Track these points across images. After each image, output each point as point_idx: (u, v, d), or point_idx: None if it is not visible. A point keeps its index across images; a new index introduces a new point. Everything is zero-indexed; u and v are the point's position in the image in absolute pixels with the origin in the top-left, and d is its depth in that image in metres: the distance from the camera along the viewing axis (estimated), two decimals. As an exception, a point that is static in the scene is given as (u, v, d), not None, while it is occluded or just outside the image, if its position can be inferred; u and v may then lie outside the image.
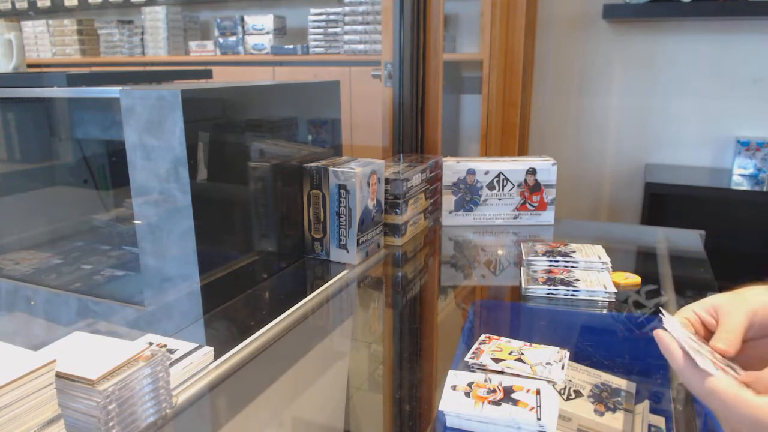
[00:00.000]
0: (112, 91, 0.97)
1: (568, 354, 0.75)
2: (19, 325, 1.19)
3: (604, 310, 0.96)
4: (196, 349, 0.75)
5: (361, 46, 2.78)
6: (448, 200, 1.40)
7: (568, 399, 0.68)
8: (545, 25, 2.55)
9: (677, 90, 2.42)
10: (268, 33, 3.04)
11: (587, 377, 0.72)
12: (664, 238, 1.34)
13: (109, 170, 1.46)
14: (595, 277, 1.04)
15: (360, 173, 1.11)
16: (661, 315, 0.55)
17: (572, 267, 1.08)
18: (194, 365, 0.73)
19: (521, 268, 1.10)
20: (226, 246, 1.00)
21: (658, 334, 0.52)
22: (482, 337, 0.80)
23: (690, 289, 1.05)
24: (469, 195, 1.39)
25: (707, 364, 0.48)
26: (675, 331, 0.52)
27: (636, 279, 1.04)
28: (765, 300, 0.56)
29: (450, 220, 1.41)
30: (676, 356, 0.51)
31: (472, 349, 0.76)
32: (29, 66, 1.72)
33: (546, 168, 1.38)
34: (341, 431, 0.75)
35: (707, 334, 0.57)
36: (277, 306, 0.98)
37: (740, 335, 0.54)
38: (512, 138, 2.32)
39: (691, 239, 1.32)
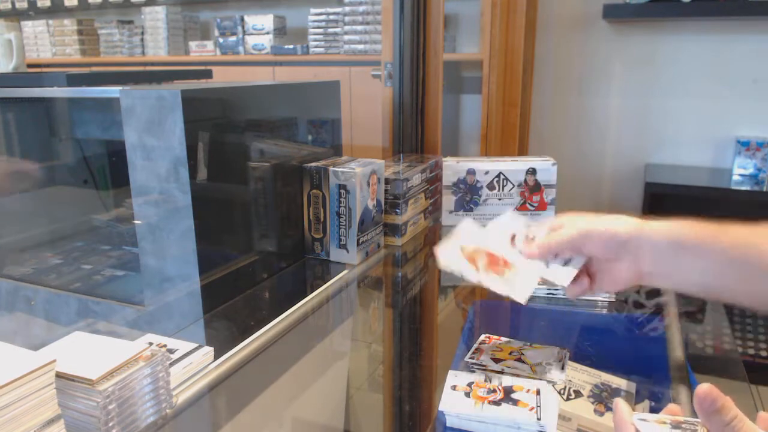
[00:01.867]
0: (112, 91, 0.97)
1: (568, 354, 0.75)
2: (19, 325, 1.19)
3: (604, 311, 0.96)
4: (196, 349, 0.75)
5: (361, 46, 2.78)
6: (448, 200, 1.40)
7: (568, 399, 0.68)
8: (545, 25, 2.55)
9: (677, 90, 2.42)
10: (268, 33, 3.04)
11: (587, 377, 0.72)
12: (664, 238, 1.34)
13: (109, 170, 1.46)
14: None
15: (360, 173, 1.11)
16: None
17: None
18: (194, 365, 0.73)
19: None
20: (226, 246, 1.00)
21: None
22: (482, 337, 0.80)
23: (690, 289, 1.05)
24: (469, 195, 1.39)
25: None
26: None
27: (636, 279, 1.04)
28: (611, 225, 0.65)
29: (450, 220, 1.41)
30: None
31: (472, 349, 0.76)
32: (29, 66, 1.72)
33: (546, 168, 1.38)
34: (341, 431, 0.75)
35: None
36: (277, 306, 0.98)
37: (545, 249, 0.68)
38: (512, 138, 2.32)
39: (691, 239, 1.31)
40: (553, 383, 0.69)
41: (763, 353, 1.98)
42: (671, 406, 0.54)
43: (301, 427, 0.74)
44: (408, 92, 1.58)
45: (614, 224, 0.65)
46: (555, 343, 0.77)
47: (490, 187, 1.38)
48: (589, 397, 0.69)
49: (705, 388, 0.44)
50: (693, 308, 1.01)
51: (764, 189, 2.12)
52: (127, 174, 0.94)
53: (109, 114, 1.33)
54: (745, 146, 2.25)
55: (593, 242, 0.65)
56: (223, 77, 1.66)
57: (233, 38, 3.11)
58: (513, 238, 0.73)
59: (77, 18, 3.52)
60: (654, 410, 0.67)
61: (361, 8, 2.75)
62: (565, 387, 0.70)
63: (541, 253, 0.69)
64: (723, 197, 2.22)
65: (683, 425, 0.48)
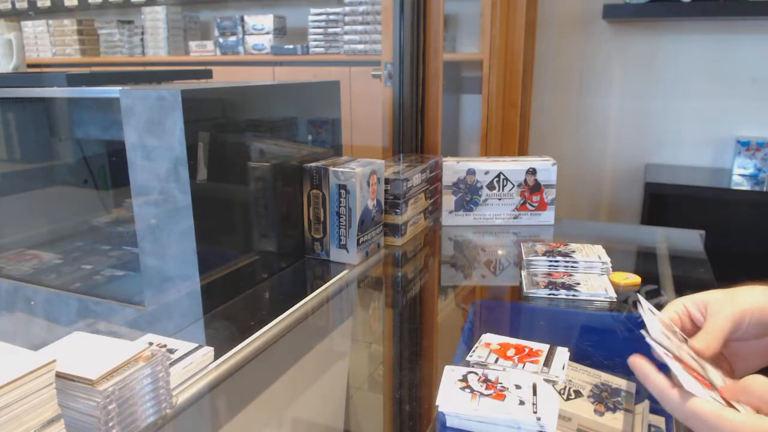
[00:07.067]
0: (112, 91, 0.97)
1: (568, 354, 0.75)
2: (19, 325, 1.19)
3: (604, 311, 0.96)
4: (196, 349, 0.75)
5: (361, 46, 2.78)
6: (448, 200, 1.40)
7: (568, 399, 0.68)
8: (545, 25, 2.55)
9: (677, 90, 2.42)
10: (268, 33, 3.04)
11: (587, 377, 0.72)
12: (664, 238, 1.34)
13: (109, 170, 1.46)
14: (596, 280, 1.04)
15: (360, 173, 1.11)
16: (641, 316, 0.56)
17: (572, 268, 1.08)
18: (194, 365, 0.73)
19: (521, 270, 1.10)
20: (226, 246, 1.00)
21: (632, 362, 0.54)
22: (482, 336, 0.80)
23: (690, 289, 1.05)
24: (469, 195, 1.39)
25: (692, 385, 0.48)
26: (655, 340, 0.53)
27: (636, 279, 1.04)
28: (757, 301, 0.57)
29: (450, 220, 1.41)
30: (654, 381, 0.52)
31: (473, 349, 0.76)
32: (29, 66, 1.72)
33: (546, 168, 1.38)
34: (341, 431, 0.75)
35: (694, 329, 0.59)
36: (277, 306, 0.98)
37: (721, 338, 0.55)
38: (512, 138, 2.32)
39: (691, 239, 1.32)
40: (553, 383, 0.69)
41: (763, 353, 1.97)
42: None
43: (301, 427, 0.74)
44: (408, 92, 1.58)
45: (759, 301, 0.58)
46: (555, 343, 0.77)
47: (490, 187, 1.38)
48: (589, 397, 0.69)
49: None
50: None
51: (764, 189, 2.12)
52: (127, 174, 0.94)
53: (109, 114, 1.33)
54: (745, 146, 2.26)
55: (747, 325, 0.57)
56: (223, 77, 1.66)
57: (233, 38, 3.11)
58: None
59: (77, 18, 3.52)
60: (654, 411, 0.67)
61: (361, 8, 2.75)
62: (565, 387, 0.70)
63: (714, 348, 0.58)
64: (723, 197, 2.22)
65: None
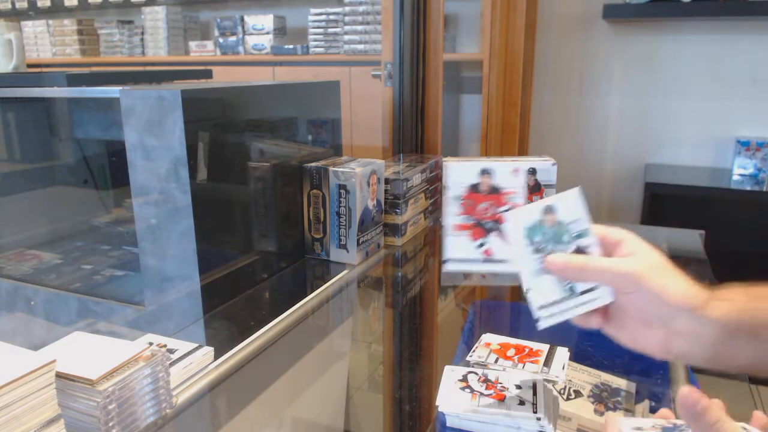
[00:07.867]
0: (112, 91, 0.97)
1: (568, 354, 0.75)
2: (19, 325, 1.19)
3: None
4: (196, 349, 0.75)
5: (361, 46, 2.78)
6: (448, 200, 1.39)
7: (568, 399, 0.68)
8: (545, 25, 2.55)
9: (677, 90, 2.42)
10: (268, 33, 3.04)
11: (587, 377, 0.72)
12: (664, 238, 1.34)
13: (109, 170, 1.47)
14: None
15: (360, 173, 1.11)
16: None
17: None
18: (194, 365, 0.73)
19: (521, 268, 1.10)
20: (226, 246, 1.00)
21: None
22: (482, 336, 0.80)
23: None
24: (469, 195, 1.39)
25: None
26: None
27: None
28: (674, 287, 0.50)
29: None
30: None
31: (473, 349, 0.76)
32: (29, 66, 1.72)
33: (546, 168, 1.38)
34: (341, 431, 0.75)
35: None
36: (277, 306, 0.98)
37: (581, 271, 0.54)
38: (512, 138, 2.32)
39: (691, 239, 1.32)
40: (553, 383, 0.69)
41: (763, 353, 1.97)
42: (663, 411, 0.54)
43: (301, 427, 0.74)
44: (408, 92, 1.58)
45: (671, 286, 0.50)
46: (555, 343, 0.77)
47: (490, 187, 1.38)
48: (589, 397, 0.69)
49: (686, 390, 0.43)
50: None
51: (764, 189, 2.12)
52: (127, 174, 0.94)
53: (109, 114, 1.33)
54: (745, 146, 2.25)
55: (637, 295, 0.51)
56: (223, 77, 1.66)
57: (233, 38, 3.11)
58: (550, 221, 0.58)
59: (77, 18, 3.52)
60: (654, 410, 0.67)
61: (361, 8, 2.75)
62: (565, 387, 0.70)
63: (565, 271, 0.54)
64: (723, 197, 2.22)
65: (674, 430, 0.48)
